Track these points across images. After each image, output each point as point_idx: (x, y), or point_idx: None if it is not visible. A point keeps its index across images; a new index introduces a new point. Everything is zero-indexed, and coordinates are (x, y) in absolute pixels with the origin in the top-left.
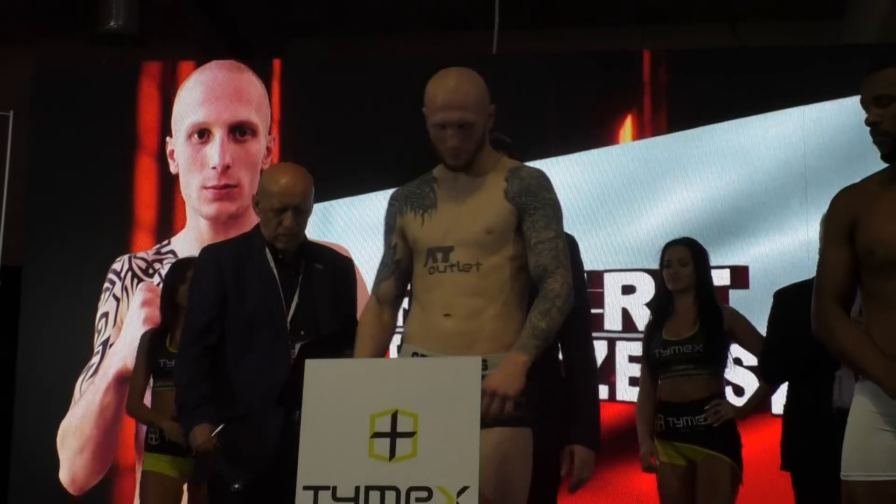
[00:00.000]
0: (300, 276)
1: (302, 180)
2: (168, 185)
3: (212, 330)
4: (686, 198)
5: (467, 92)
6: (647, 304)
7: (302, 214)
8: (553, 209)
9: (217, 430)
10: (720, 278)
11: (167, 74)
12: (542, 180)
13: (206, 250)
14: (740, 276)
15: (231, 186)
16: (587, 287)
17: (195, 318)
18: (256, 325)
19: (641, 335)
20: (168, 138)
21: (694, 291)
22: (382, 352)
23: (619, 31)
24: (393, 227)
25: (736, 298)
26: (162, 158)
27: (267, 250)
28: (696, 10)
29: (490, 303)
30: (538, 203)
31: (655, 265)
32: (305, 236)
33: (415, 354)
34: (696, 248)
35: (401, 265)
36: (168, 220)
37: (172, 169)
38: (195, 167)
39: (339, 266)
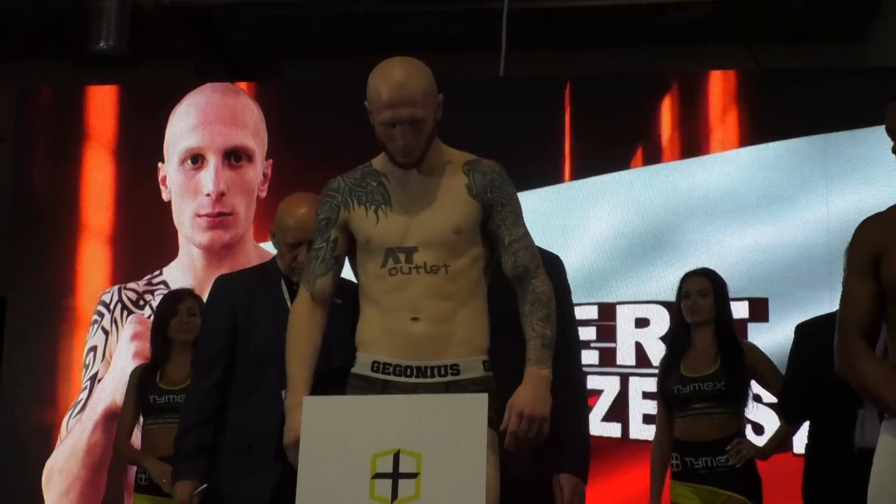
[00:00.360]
0: None
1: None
2: (160, 211)
3: (220, 363)
4: (702, 226)
5: (415, 86)
6: (662, 338)
7: None
8: (517, 205)
9: (200, 489)
10: (739, 311)
11: (159, 97)
12: (503, 174)
13: (220, 281)
14: (760, 308)
15: (225, 214)
16: (572, 308)
17: (205, 351)
18: (266, 361)
19: (656, 370)
20: (160, 164)
21: (713, 325)
22: (317, 353)
23: (631, 52)
24: (333, 220)
25: (755, 332)
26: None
27: (283, 283)
28: (712, 31)
29: (460, 306)
30: (504, 199)
31: (670, 297)
32: None
33: (375, 364)
34: (716, 279)
35: (339, 262)
36: (160, 249)
37: (164, 196)
38: (188, 194)
39: (348, 294)
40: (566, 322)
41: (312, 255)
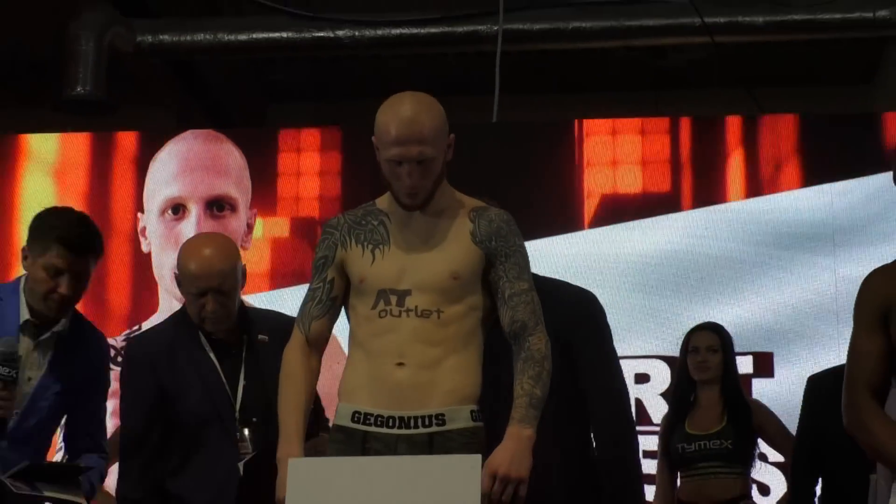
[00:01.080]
0: (243, 353)
1: (220, 257)
2: (141, 265)
3: (151, 436)
4: (704, 278)
5: (425, 123)
6: (664, 395)
7: (226, 294)
8: (523, 257)
9: None
10: (743, 365)
11: (138, 145)
12: (512, 224)
13: (134, 343)
14: (764, 363)
15: None
16: (616, 358)
17: (131, 424)
18: (201, 421)
19: (657, 428)
20: (139, 214)
21: (720, 382)
22: (311, 400)
23: (630, 96)
24: (330, 259)
25: (760, 388)
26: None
27: (200, 333)
28: (713, 74)
29: (449, 353)
30: (509, 249)
31: (670, 351)
32: (242, 302)
33: (356, 414)
34: (724, 334)
35: (336, 303)
36: (139, 303)
37: (144, 247)
38: (169, 246)
39: (287, 331)
40: (610, 377)
41: (308, 295)
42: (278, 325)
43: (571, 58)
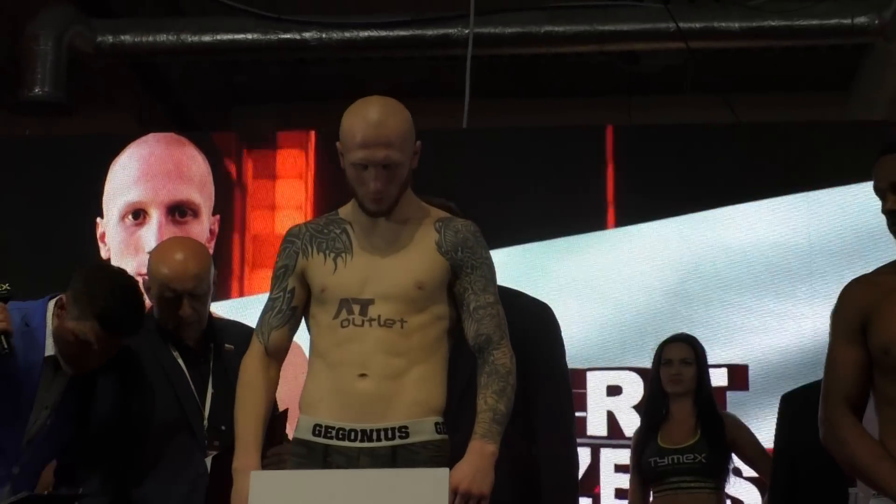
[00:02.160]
0: (210, 361)
1: (194, 260)
2: None
3: (116, 443)
4: (678, 289)
5: (392, 127)
6: (636, 407)
7: (199, 298)
8: (490, 270)
9: None
10: (717, 378)
11: (98, 149)
12: (478, 236)
13: None
14: (739, 376)
15: None
16: (565, 368)
17: (93, 431)
18: (169, 428)
19: (629, 441)
20: (98, 220)
21: (693, 394)
22: (269, 412)
23: (601, 102)
24: (291, 267)
25: (735, 401)
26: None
27: (169, 342)
28: (687, 81)
29: (413, 364)
30: (476, 261)
31: (643, 363)
32: (211, 313)
33: (317, 427)
34: (698, 346)
35: (296, 313)
36: None
37: (103, 253)
38: (129, 252)
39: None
40: (558, 388)
41: (268, 305)
42: (243, 335)
43: (544, 62)
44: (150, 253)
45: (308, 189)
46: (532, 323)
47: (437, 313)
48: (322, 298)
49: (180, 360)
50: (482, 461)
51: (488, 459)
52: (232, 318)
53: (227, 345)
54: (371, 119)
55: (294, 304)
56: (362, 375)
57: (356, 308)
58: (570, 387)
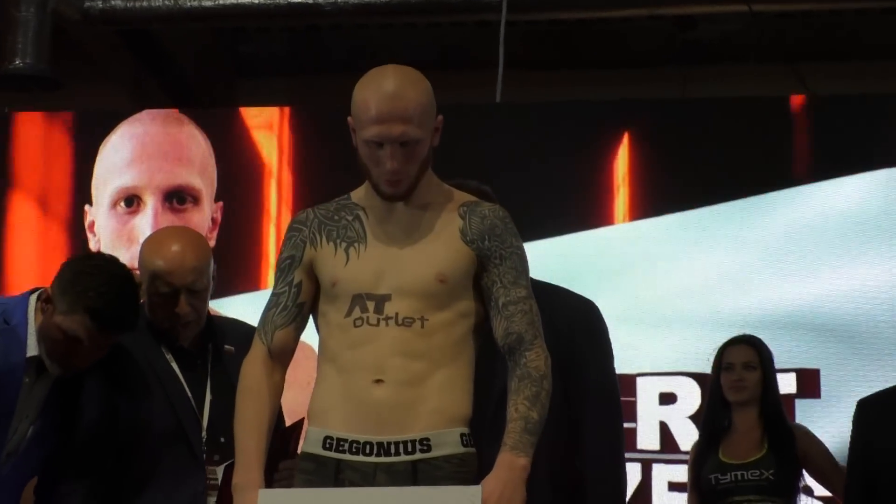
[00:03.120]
0: (208, 363)
1: (192, 251)
2: None
3: (101, 455)
4: (741, 284)
5: (411, 99)
6: (693, 418)
7: (198, 294)
8: (521, 260)
9: None
10: (785, 384)
11: (88, 127)
12: (508, 222)
13: None
14: (809, 381)
15: None
16: (614, 374)
17: (77, 441)
18: (162, 439)
19: (684, 456)
20: (87, 207)
21: (758, 403)
22: (274, 421)
23: (654, 73)
24: (297, 259)
25: (804, 410)
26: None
27: (162, 343)
28: (751, 48)
29: (436, 368)
30: (505, 251)
31: (700, 367)
32: (210, 311)
33: (327, 439)
34: (763, 349)
35: (303, 310)
36: None
37: (92, 245)
38: (121, 243)
39: None
40: (606, 398)
41: (272, 301)
42: (245, 335)
43: (587, 29)
44: (142, 243)
45: (283, 180)
46: (574, 322)
47: (462, 310)
48: (333, 294)
49: (174, 364)
50: (512, 475)
51: (519, 473)
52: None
53: (227, 346)
54: (387, 90)
55: (301, 299)
56: (378, 381)
57: (371, 305)
58: (618, 395)
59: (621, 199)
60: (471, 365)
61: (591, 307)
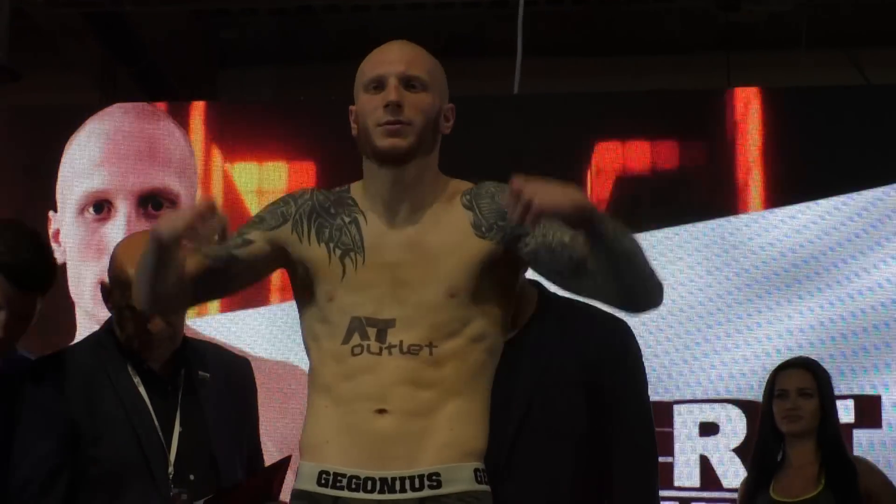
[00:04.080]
0: (179, 391)
1: None
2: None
3: (58, 486)
4: (790, 296)
5: (419, 52)
6: (737, 450)
7: None
8: None
9: None
10: (843, 412)
11: (51, 123)
12: None
13: (41, 365)
14: (869, 409)
15: None
16: (650, 410)
17: (28, 473)
18: (124, 471)
19: (728, 494)
20: (50, 213)
21: (815, 435)
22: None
23: (697, 60)
24: (269, 227)
25: (863, 441)
26: None
27: (129, 364)
28: (802, 32)
29: (447, 398)
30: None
31: (747, 394)
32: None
33: (323, 475)
34: (821, 374)
35: (232, 266)
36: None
37: (58, 256)
38: (90, 254)
39: (234, 371)
40: (640, 429)
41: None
42: (223, 361)
43: (617, 10)
44: (114, 249)
45: None
46: (605, 344)
47: (475, 333)
48: (327, 311)
49: (142, 389)
50: (567, 188)
51: (576, 191)
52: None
53: (202, 373)
54: (392, 46)
55: (239, 252)
56: (381, 411)
57: (372, 332)
58: (653, 430)
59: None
60: (487, 394)
61: (623, 328)
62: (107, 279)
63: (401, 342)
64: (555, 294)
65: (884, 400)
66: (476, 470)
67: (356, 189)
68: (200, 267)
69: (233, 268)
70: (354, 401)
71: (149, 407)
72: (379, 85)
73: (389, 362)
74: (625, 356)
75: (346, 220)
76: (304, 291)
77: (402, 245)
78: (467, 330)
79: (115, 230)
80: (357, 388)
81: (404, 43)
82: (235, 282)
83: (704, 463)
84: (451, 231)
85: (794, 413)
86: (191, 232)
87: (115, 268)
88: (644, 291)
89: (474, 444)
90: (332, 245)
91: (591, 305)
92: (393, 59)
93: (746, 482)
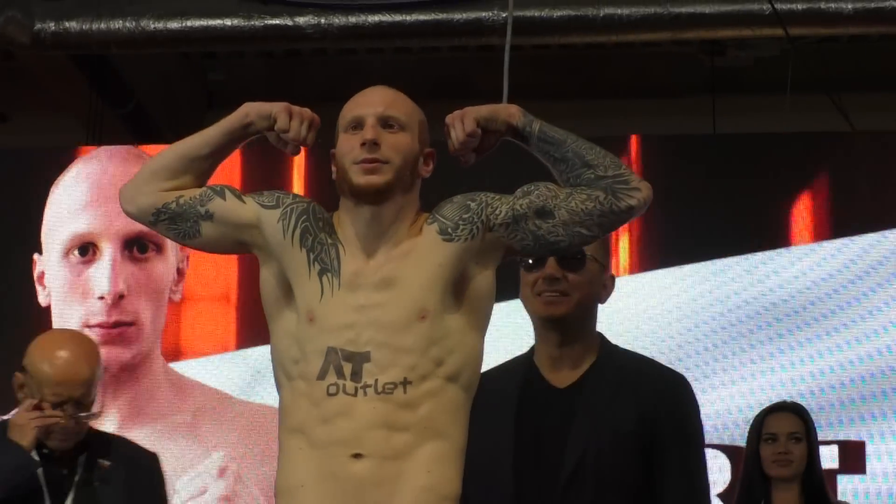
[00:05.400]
0: (76, 476)
1: (86, 362)
2: (37, 321)
3: None
4: (771, 339)
5: (398, 95)
6: (722, 496)
7: (85, 408)
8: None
9: None
10: (826, 458)
11: (37, 165)
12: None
13: None
14: (853, 455)
15: (125, 324)
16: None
17: None
18: None
19: None
20: (36, 256)
21: (801, 480)
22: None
23: (679, 103)
24: (264, 206)
25: (847, 488)
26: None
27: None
28: (787, 77)
29: (424, 439)
30: (488, 199)
31: (732, 439)
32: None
33: None
34: (808, 418)
35: (212, 221)
36: None
37: (42, 299)
38: (75, 296)
39: (137, 464)
40: (696, 487)
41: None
42: (127, 451)
43: (603, 54)
44: (31, 344)
45: None
46: (664, 398)
47: (450, 371)
48: (303, 334)
49: (39, 471)
50: (495, 105)
51: (503, 105)
52: None
53: (102, 461)
54: (372, 90)
55: (209, 208)
56: (357, 455)
57: (347, 368)
58: (707, 483)
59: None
60: (464, 433)
61: (682, 382)
62: (20, 373)
63: (376, 381)
64: (615, 345)
65: (867, 446)
66: None
67: (335, 219)
68: (195, 182)
69: (213, 206)
70: (330, 445)
71: (43, 488)
72: (357, 125)
73: (364, 405)
74: (683, 410)
75: (329, 241)
76: (277, 301)
77: (376, 284)
78: (441, 370)
79: (101, 273)
80: (333, 433)
81: (385, 87)
82: (205, 224)
83: None
84: (420, 253)
85: (785, 457)
86: (283, 119)
87: (29, 360)
88: (613, 167)
89: (451, 488)
90: (311, 256)
91: (651, 359)
92: (372, 101)
93: None
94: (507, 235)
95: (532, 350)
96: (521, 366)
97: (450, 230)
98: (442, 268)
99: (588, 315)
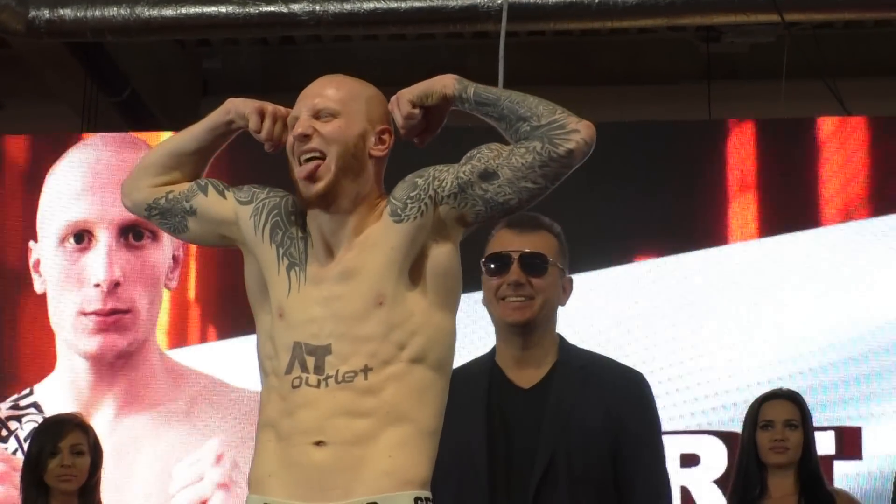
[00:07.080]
0: None
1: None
2: (33, 309)
3: None
4: (772, 327)
5: (337, 83)
6: (718, 482)
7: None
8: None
9: None
10: (823, 444)
11: (32, 153)
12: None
13: None
14: (850, 441)
15: (121, 312)
16: (663, 462)
17: None
18: None
19: None
20: (31, 244)
21: (796, 466)
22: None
23: (678, 91)
24: (241, 201)
25: (843, 474)
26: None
27: None
28: (784, 63)
29: (386, 425)
30: (435, 173)
31: (728, 425)
32: None
33: None
34: (804, 405)
35: (196, 217)
36: (30, 360)
37: (38, 286)
38: (70, 284)
39: None
40: (658, 477)
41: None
42: None
43: (598, 41)
44: None
45: None
46: (627, 394)
47: (413, 354)
48: (275, 330)
49: None
50: (429, 81)
51: (437, 80)
52: None
53: None
54: (315, 82)
55: (191, 203)
56: (318, 443)
57: (310, 362)
58: (667, 472)
59: None
60: (434, 416)
61: (640, 379)
62: None
63: (337, 371)
64: (573, 345)
65: (864, 431)
66: (417, 499)
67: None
68: (187, 177)
69: (196, 202)
70: (294, 435)
71: None
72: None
73: (326, 395)
74: (646, 406)
75: (300, 234)
76: (257, 297)
77: (337, 276)
78: (405, 353)
79: (96, 260)
80: (297, 424)
81: (323, 78)
82: (191, 220)
83: (685, 494)
84: (376, 239)
85: (782, 444)
86: (255, 120)
87: None
88: (547, 114)
89: (415, 472)
90: (281, 251)
91: (609, 357)
92: (306, 95)
93: None
94: (458, 205)
95: (493, 351)
96: (484, 366)
97: (399, 211)
98: (395, 250)
99: (550, 317)
